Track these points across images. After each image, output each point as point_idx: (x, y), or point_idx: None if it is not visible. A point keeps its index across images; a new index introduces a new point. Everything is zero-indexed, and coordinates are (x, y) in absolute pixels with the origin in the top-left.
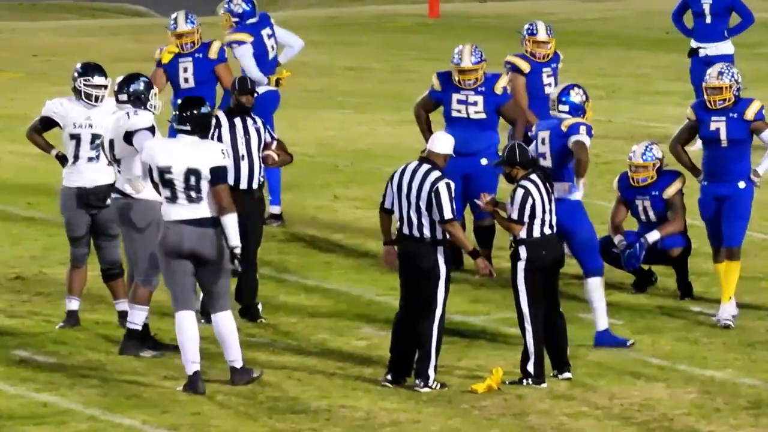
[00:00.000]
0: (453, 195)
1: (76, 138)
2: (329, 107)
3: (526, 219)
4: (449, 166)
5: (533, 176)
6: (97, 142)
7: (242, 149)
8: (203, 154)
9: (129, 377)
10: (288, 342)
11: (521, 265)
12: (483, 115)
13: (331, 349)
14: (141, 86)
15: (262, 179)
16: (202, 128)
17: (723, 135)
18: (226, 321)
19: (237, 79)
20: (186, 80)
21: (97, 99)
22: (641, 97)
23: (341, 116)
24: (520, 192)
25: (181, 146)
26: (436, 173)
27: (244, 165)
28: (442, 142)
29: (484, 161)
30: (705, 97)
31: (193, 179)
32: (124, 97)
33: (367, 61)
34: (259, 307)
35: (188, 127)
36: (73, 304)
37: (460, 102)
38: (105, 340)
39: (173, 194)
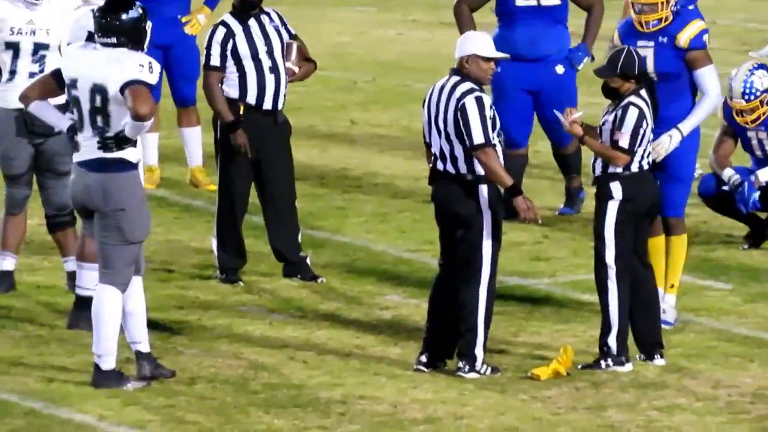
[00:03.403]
0: (489, 112)
1: (13, 47)
2: (343, 4)
3: (636, 147)
4: (510, 76)
5: (643, 92)
6: (42, 53)
7: (266, 60)
8: (119, 68)
9: (81, 359)
10: (290, 312)
11: (613, 206)
12: (557, 0)
13: (346, 322)
14: None
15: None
16: (134, 37)
17: (650, 66)
18: (106, 299)
19: None
20: None
21: None
22: None
23: (359, 16)
24: (633, 112)
25: (95, 59)
26: (466, 85)
27: (270, 79)
28: (472, 42)
29: (560, 69)
30: (632, 15)
31: (99, 100)
32: None
33: None
34: (308, 261)
35: (113, 39)
36: (8, 263)
37: None
38: (49, 310)
39: (80, 122)
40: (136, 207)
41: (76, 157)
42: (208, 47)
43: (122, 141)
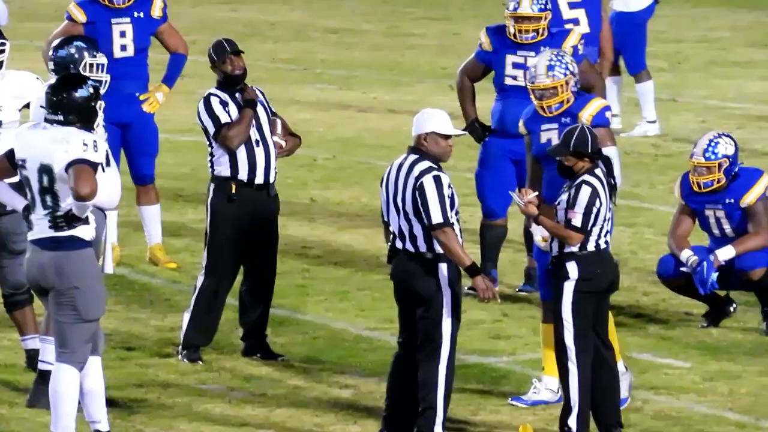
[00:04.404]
0: (447, 191)
1: None
2: (305, 81)
3: (589, 227)
4: (497, 145)
5: (597, 171)
6: None
7: (254, 134)
8: (64, 148)
9: None
10: (249, 390)
11: (569, 286)
12: None
13: (306, 400)
14: (71, 52)
15: (276, 170)
16: (84, 116)
17: None
18: (63, 378)
19: (211, 47)
20: (124, 47)
21: None
22: (715, 69)
23: (320, 93)
24: (586, 191)
25: (43, 139)
26: (424, 164)
27: (259, 153)
28: (431, 120)
29: None
30: (534, 101)
31: (46, 180)
32: (51, 65)
33: (355, 21)
34: (267, 339)
35: (62, 117)
36: None
37: (516, 66)
38: (8, 389)
39: (32, 201)
40: (90, 285)
41: (30, 236)
42: (210, 114)
43: (72, 219)
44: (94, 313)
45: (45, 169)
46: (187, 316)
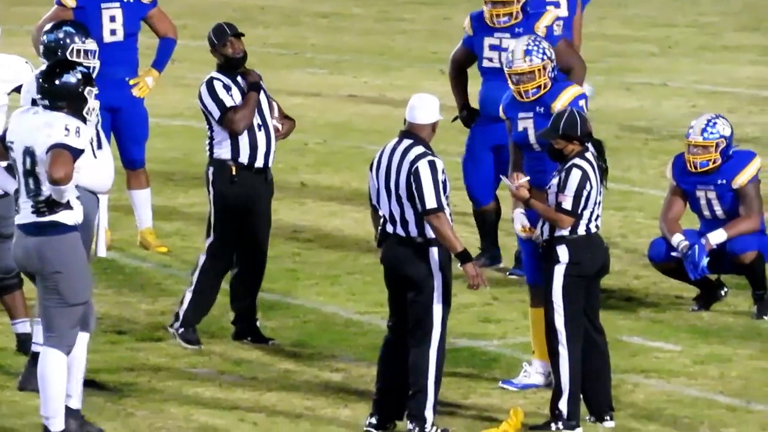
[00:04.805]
0: (441, 177)
1: None
2: (295, 66)
3: (580, 210)
4: (480, 134)
5: (588, 154)
6: None
7: (256, 117)
8: (47, 132)
9: (32, 420)
10: (240, 374)
11: (560, 270)
12: None
13: (296, 384)
14: (59, 37)
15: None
16: (72, 102)
17: (532, 137)
18: (50, 362)
19: (211, 30)
20: (113, 32)
21: None
22: (705, 54)
23: (311, 78)
24: (576, 175)
25: (30, 122)
26: (418, 149)
27: (261, 137)
28: (425, 109)
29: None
30: (511, 86)
31: (29, 162)
32: (41, 49)
33: (346, 5)
34: (258, 323)
35: (50, 102)
36: None
37: (492, 48)
38: (0, 372)
39: (19, 184)
40: (73, 269)
41: (16, 220)
42: (214, 97)
43: (54, 204)
44: (78, 298)
45: (28, 152)
46: (189, 295)
